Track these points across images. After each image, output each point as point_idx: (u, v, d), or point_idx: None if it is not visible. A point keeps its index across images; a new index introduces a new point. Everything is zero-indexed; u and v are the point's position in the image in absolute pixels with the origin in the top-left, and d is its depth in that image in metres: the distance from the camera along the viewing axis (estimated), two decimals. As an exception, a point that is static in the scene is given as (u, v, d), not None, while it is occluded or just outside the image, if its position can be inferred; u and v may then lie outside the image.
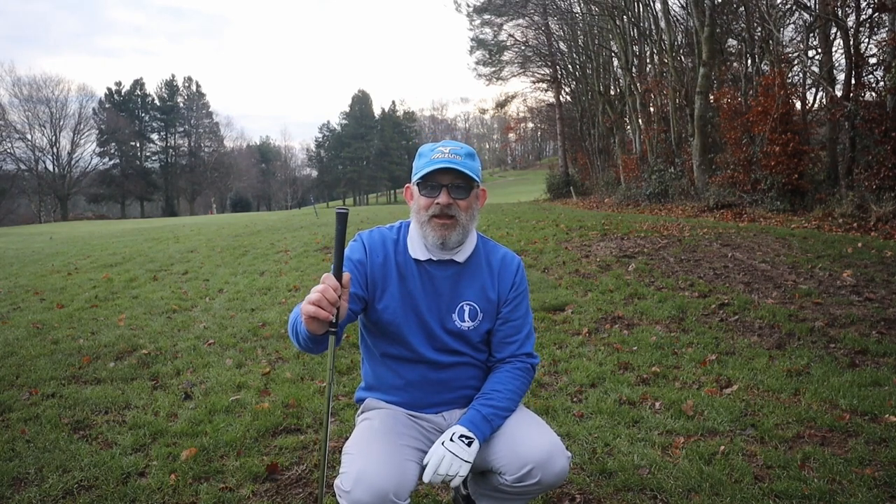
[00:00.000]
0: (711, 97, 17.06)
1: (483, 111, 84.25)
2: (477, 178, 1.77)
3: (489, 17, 32.17)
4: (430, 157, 1.76)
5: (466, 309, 1.86)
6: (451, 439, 1.67)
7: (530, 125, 73.76)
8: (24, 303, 6.42)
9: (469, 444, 1.67)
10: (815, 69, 14.40)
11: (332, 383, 1.68)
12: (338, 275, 1.53)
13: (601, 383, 3.70)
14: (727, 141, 15.70)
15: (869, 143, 11.82)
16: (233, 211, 58.14)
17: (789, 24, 16.82)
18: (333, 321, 1.52)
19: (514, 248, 8.36)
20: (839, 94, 13.02)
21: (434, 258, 1.84)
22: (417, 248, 1.85)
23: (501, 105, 43.44)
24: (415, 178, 1.79)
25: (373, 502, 1.53)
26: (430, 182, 1.76)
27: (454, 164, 1.72)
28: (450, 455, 1.64)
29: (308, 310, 1.49)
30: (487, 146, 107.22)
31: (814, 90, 16.36)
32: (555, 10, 29.22)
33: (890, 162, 10.86)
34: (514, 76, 35.76)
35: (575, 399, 3.49)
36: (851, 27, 13.28)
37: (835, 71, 14.15)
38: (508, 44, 33.36)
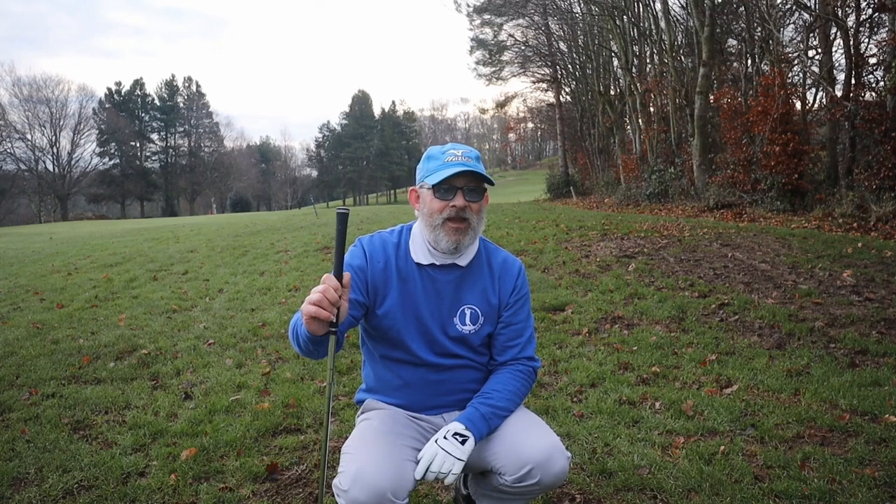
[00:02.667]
0: (711, 97, 17.06)
1: (483, 111, 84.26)
2: (491, 181, 1.78)
3: (489, 17, 32.17)
4: (443, 159, 1.76)
5: (468, 312, 1.86)
6: (445, 437, 1.66)
7: (530, 125, 73.79)
8: (24, 303, 6.42)
9: (463, 442, 1.65)
10: (815, 69, 14.41)
11: (332, 383, 1.68)
12: (338, 275, 1.53)
13: (601, 383, 3.70)
14: (727, 141, 15.71)
15: (869, 143, 11.82)
16: (233, 211, 58.13)
17: (789, 24, 16.84)
18: (334, 321, 1.53)
19: (514, 248, 8.36)
20: (839, 94, 13.02)
21: (437, 262, 1.83)
22: (420, 252, 1.84)
23: (501, 105, 43.48)
24: (428, 181, 1.77)
25: (371, 501, 1.53)
26: (445, 185, 1.74)
27: (471, 166, 1.73)
28: (442, 453, 1.63)
29: (309, 310, 1.49)
30: (487, 146, 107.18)
31: (814, 90, 16.39)
32: (555, 10, 29.21)
33: (890, 162, 10.86)
34: (514, 76, 35.78)
35: (575, 399, 3.49)
36: (851, 27, 13.29)
37: (835, 71, 14.15)
38: (508, 44, 33.38)
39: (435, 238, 1.78)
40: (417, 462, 1.66)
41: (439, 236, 1.77)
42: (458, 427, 1.69)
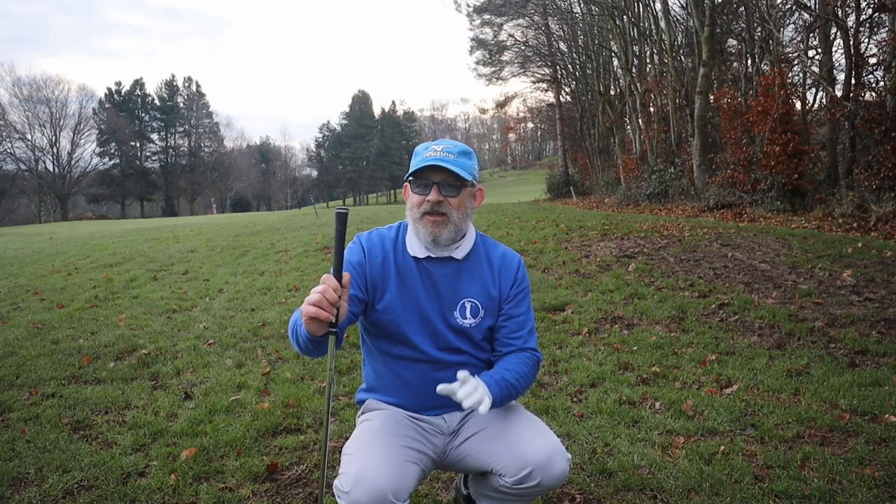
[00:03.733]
0: (711, 97, 17.05)
1: (483, 111, 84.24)
2: (468, 177, 1.77)
3: (489, 17, 32.14)
4: (424, 155, 1.78)
5: (468, 306, 1.86)
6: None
7: (530, 125, 73.70)
8: (24, 303, 6.42)
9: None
10: (815, 69, 14.40)
11: (332, 383, 1.68)
12: (338, 275, 1.53)
13: (601, 383, 3.70)
14: (727, 141, 15.70)
15: (869, 143, 11.81)
16: (233, 211, 58.11)
17: (789, 24, 16.82)
18: (333, 321, 1.52)
19: (514, 248, 8.36)
20: (839, 94, 13.01)
21: (433, 256, 1.84)
22: (416, 246, 1.85)
23: (501, 105, 43.39)
24: (407, 175, 1.82)
25: (372, 503, 1.53)
26: (422, 180, 1.78)
27: (444, 161, 1.74)
28: (483, 391, 1.63)
29: (308, 311, 1.49)
30: (487, 146, 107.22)
31: (814, 90, 16.37)
32: (555, 10, 29.20)
33: (890, 162, 10.85)
34: (514, 76, 35.72)
35: (575, 399, 3.49)
36: (851, 27, 13.28)
37: (835, 71, 14.14)
38: (508, 44, 33.34)
39: (416, 231, 1.82)
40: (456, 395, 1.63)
41: (419, 229, 1.80)
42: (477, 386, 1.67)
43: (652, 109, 22.26)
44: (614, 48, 24.36)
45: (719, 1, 17.61)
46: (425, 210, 1.77)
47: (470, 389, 1.62)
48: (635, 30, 22.65)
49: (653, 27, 21.77)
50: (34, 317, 5.65)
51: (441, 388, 1.64)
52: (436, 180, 1.77)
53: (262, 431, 3.05)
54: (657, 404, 3.34)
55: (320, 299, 1.49)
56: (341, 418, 3.27)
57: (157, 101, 70.11)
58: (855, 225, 10.22)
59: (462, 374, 1.65)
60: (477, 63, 35.08)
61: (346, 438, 1.79)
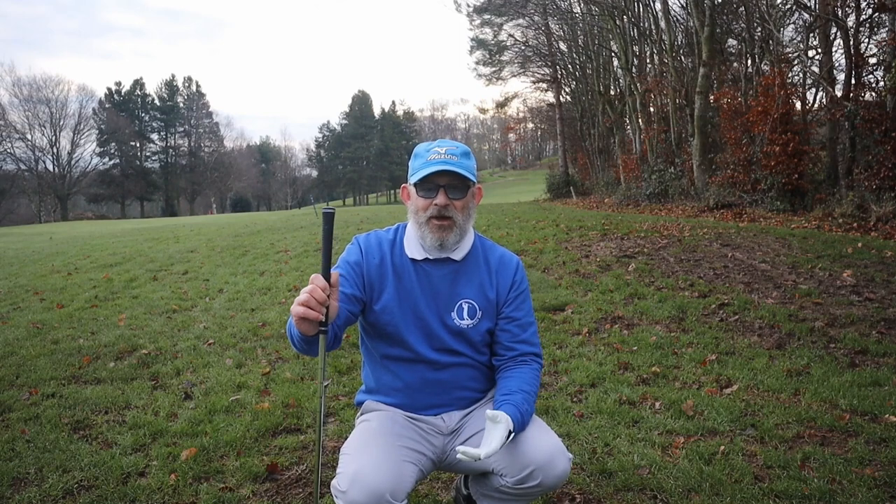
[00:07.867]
0: (711, 97, 17.05)
1: (483, 111, 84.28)
2: (473, 178, 1.78)
3: (489, 17, 32.14)
4: (427, 157, 1.77)
5: (465, 307, 1.86)
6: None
7: (530, 125, 73.75)
8: (24, 303, 6.42)
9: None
10: (815, 69, 14.40)
11: (323, 382, 1.68)
12: (326, 275, 1.53)
13: (601, 383, 3.70)
14: (727, 141, 15.70)
15: (869, 143, 11.82)
16: (233, 211, 58.16)
17: (789, 24, 16.84)
18: (324, 321, 1.52)
19: (514, 248, 8.36)
20: (839, 94, 13.02)
21: (431, 257, 1.84)
22: (414, 247, 1.85)
23: (501, 105, 43.40)
24: (412, 179, 1.80)
25: (369, 503, 1.53)
26: (427, 183, 1.76)
27: (451, 164, 1.73)
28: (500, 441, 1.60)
29: (297, 311, 1.49)
30: (487, 146, 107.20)
31: (814, 90, 16.38)
32: (555, 11, 29.18)
33: (890, 162, 10.86)
34: (514, 76, 35.73)
35: (575, 399, 3.49)
36: (851, 27, 13.29)
37: (835, 71, 14.15)
38: (508, 44, 33.35)
39: (421, 235, 1.81)
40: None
41: (425, 233, 1.80)
42: (510, 425, 1.65)
43: (652, 109, 22.26)
44: (614, 48, 24.36)
45: (719, 1, 17.60)
46: (432, 214, 1.77)
47: (498, 440, 1.59)
48: (635, 30, 22.65)
49: (653, 27, 21.78)
50: (34, 317, 5.65)
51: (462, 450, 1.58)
52: (442, 183, 1.76)
53: (262, 431, 3.05)
54: (657, 404, 3.34)
55: (308, 299, 1.49)
56: (341, 418, 3.27)
57: (156, 101, 70.10)
58: (855, 225, 10.22)
59: (490, 413, 1.61)
60: (477, 63, 35.12)
61: (346, 439, 1.79)
